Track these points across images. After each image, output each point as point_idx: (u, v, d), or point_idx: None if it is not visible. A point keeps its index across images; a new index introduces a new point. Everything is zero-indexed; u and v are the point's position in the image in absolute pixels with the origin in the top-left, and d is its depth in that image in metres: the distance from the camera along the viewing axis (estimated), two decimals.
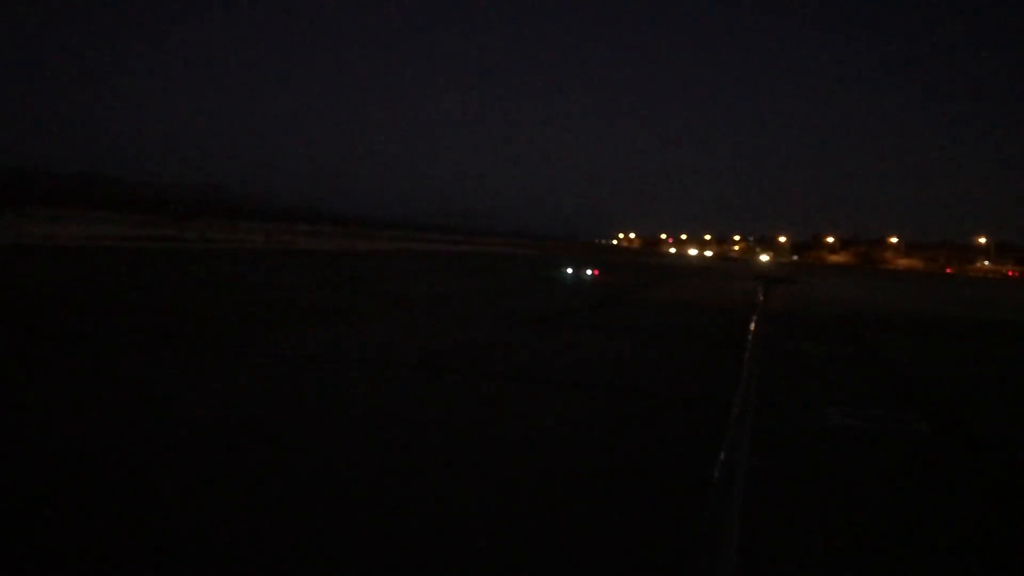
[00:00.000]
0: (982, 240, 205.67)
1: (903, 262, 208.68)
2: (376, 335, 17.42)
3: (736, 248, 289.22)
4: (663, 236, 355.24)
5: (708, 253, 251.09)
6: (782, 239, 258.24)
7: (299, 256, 60.06)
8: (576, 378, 13.49)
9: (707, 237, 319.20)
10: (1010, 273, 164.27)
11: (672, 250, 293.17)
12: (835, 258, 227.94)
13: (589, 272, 41.99)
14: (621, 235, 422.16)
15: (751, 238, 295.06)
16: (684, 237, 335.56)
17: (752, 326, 24.37)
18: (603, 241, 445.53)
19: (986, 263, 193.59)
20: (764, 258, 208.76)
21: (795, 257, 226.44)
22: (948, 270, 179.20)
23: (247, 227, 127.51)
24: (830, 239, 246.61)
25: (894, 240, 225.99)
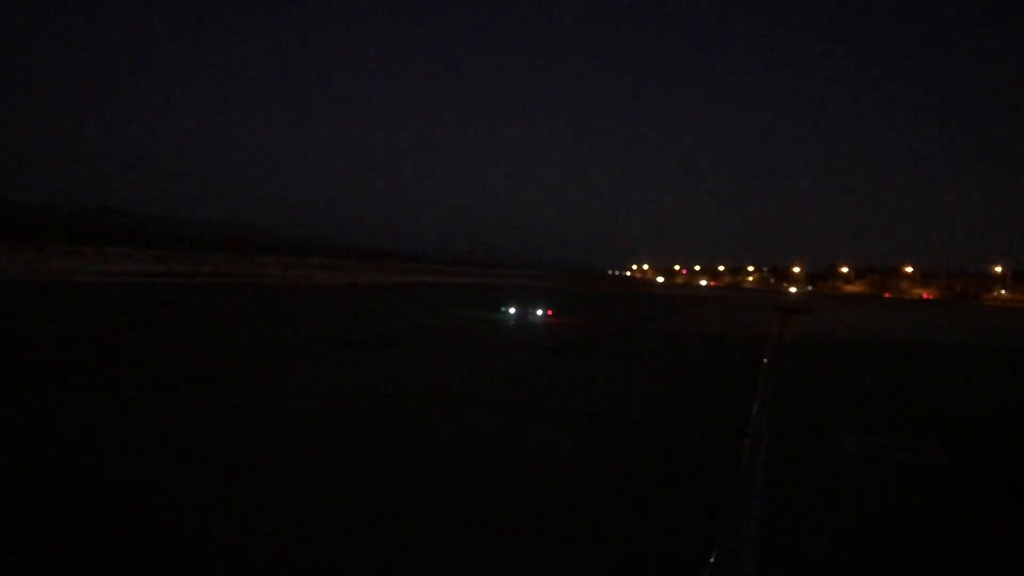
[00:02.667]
0: (998, 269, 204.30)
1: (918, 291, 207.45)
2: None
3: (750, 279, 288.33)
4: (676, 267, 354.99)
5: (703, 283, 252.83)
6: (796, 269, 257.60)
7: (312, 291, 60.35)
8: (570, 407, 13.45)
9: (721, 268, 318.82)
10: None
11: (660, 279, 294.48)
12: (850, 288, 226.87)
13: (540, 312, 33.95)
14: (635, 266, 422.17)
15: (765, 268, 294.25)
16: (698, 268, 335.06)
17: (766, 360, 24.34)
18: (617, 272, 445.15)
19: (1003, 292, 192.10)
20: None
21: (810, 287, 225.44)
22: (963, 298, 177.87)
23: (262, 261, 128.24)
24: (844, 268, 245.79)
25: (909, 269, 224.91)
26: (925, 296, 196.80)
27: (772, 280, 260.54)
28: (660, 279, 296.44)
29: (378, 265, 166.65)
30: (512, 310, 34.59)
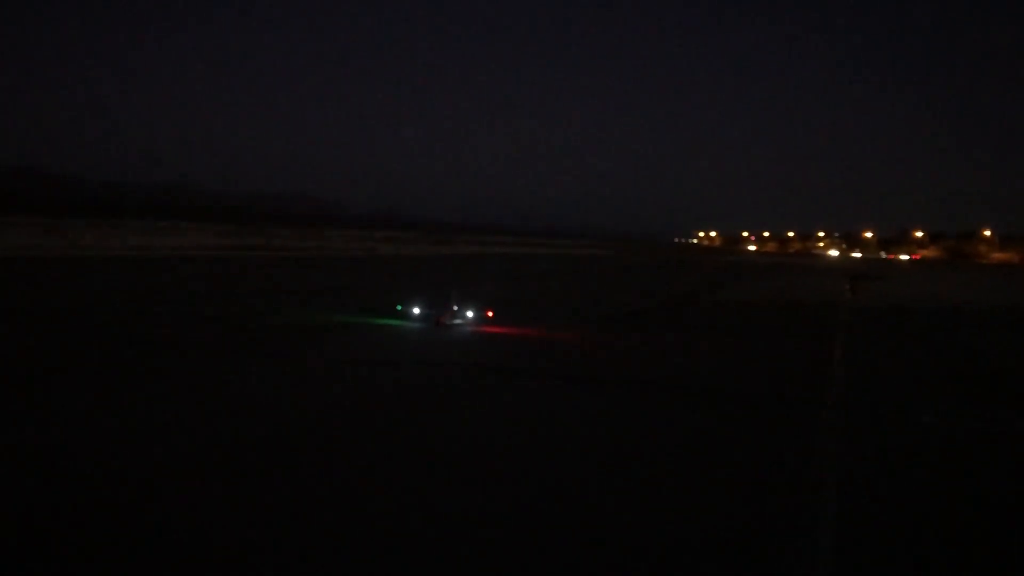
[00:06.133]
0: None
1: (998, 256, 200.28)
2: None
3: (820, 245, 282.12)
4: (745, 234, 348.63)
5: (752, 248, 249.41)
6: (868, 234, 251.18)
7: (382, 262, 61.38)
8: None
9: (790, 234, 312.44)
10: None
11: (753, 247, 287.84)
12: (924, 253, 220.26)
13: (470, 315, 20.74)
14: (701, 233, 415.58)
15: (836, 234, 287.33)
16: (767, 234, 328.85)
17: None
18: (683, 240, 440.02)
19: None
20: (833, 253, 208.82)
21: (882, 253, 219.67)
22: None
23: (329, 234, 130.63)
24: (918, 233, 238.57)
25: (987, 233, 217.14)
26: (1001, 259, 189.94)
27: (844, 245, 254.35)
28: (753, 247, 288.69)
29: (441, 238, 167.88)
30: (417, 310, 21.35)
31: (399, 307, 21.60)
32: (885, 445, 9.67)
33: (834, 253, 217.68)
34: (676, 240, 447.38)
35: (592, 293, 35.37)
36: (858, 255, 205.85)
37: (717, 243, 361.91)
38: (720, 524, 6.75)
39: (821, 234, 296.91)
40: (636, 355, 16.64)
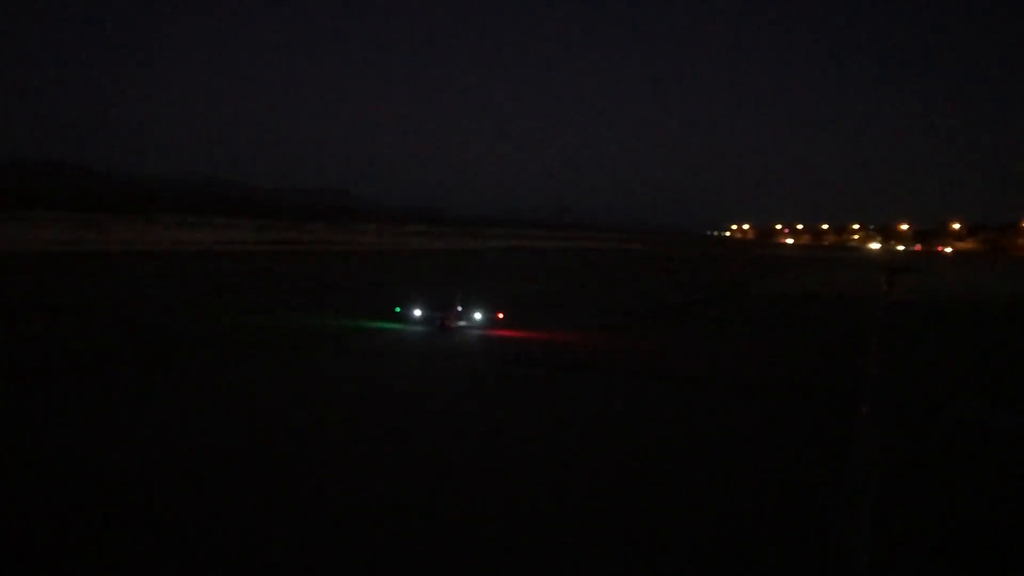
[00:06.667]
0: None
1: None
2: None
3: (855, 237, 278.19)
4: (778, 226, 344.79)
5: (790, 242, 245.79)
6: (903, 227, 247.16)
7: (414, 256, 61.55)
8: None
9: (824, 227, 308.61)
10: None
11: (790, 240, 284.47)
12: (961, 245, 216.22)
13: (479, 317, 18.93)
14: (734, 226, 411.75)
15: (871, 226, 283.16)
16: (800, 227, 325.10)
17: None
18: (716, 233, 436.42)
19: None
20: (875, 245, 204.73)
21: (918, 247, 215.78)
22: None
23: (361, 228, 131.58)
24: (956, 225, 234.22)
25: None
26: None
27: (880, 238, 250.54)
28: (790, 240, 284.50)
29: (473, 231, 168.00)
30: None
31: (397, 309, 19.49)
32: (919, 436, 9.59)
33: (875, 246, 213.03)
34: (709, 233, 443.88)
35: (623, 287, 35.22)
36: (900, 248, 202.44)
37: (750, 236, 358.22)
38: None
39: (856, 226, 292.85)
40: (688, 355, 16.24)
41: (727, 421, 10.27)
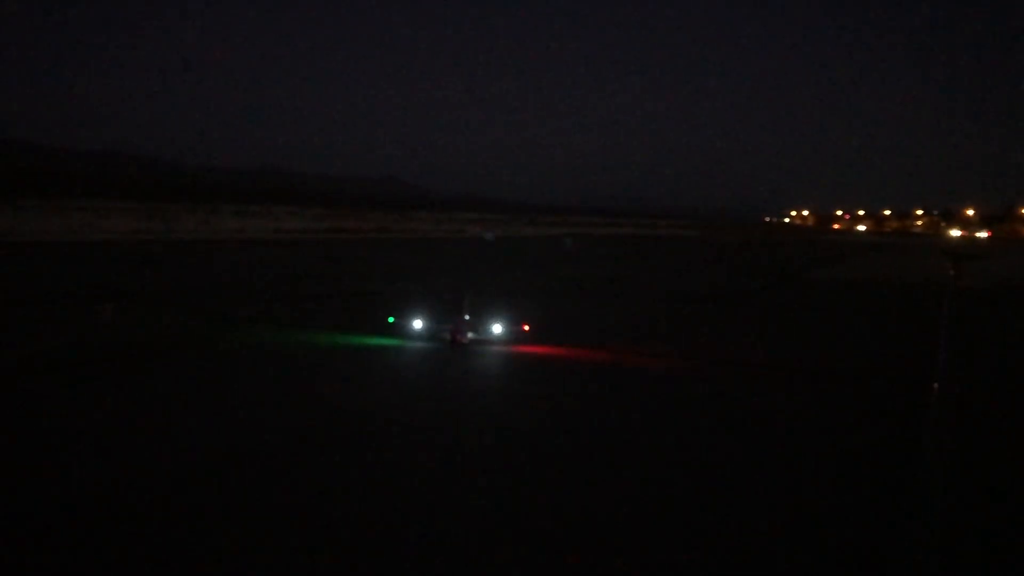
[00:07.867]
0: None
1: None
2: None
3: (919, 223, 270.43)
4: (838, 212, 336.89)
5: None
6: (969, 212, 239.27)
7: (468, 243, 61.60)
8: None
9: (887, 212, 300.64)
10: None
11: (862, 227, 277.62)
12: None
13: (499, 329, 15.49)
14: (794, 212, 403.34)
15: (935, 211, 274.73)
16: (861, 213, 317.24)
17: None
18: (775, 219, 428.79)
19: None
20: (955, 232, 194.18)
21: (985, 232, 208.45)
22: None
23: (418, 216, 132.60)
24: None
25: None
26: None
27: (943, 224, 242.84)
28: (861, 227, 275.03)
29: (528, 219, 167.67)
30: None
31: (391, 319, 16.28)
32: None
33: (956, 233, 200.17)
34: (767, 219, 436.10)
35: (682, 273, 34.76)
36: (984, 234, 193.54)
37: (810, 222, 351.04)
38: None
39: (919, 212, 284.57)
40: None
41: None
